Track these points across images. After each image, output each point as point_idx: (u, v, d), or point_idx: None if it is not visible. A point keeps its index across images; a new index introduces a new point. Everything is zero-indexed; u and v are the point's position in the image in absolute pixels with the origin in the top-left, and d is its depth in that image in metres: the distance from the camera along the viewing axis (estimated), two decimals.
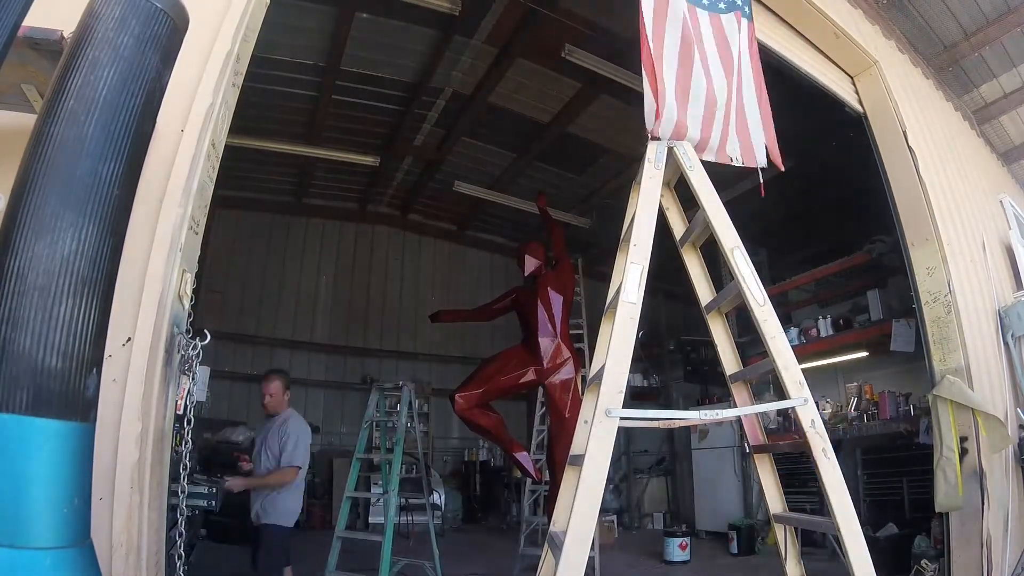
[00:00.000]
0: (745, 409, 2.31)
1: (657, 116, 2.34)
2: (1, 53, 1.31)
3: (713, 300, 2.43)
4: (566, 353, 5.11)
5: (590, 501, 1.70)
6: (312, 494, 8.61)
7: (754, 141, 2.66)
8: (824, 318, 7.17)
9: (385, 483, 5.49)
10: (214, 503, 3.15)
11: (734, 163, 2.55)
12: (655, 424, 2.03)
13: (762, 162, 2.64)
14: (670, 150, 2.26)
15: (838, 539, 1.86)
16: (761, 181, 2.69)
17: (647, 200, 2.14)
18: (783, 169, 2.71)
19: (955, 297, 4.10)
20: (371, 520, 8.07)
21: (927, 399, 4.19)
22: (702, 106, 2.47)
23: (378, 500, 7.10)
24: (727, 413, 2.10)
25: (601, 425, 1.76)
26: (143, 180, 1.52)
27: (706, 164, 2.32)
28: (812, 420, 1.93)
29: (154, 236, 1.91)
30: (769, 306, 2.04)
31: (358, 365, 10.04)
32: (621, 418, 1.79)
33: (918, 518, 5.34)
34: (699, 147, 2.41)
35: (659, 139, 2.33)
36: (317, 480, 8.76)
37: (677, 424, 2.22)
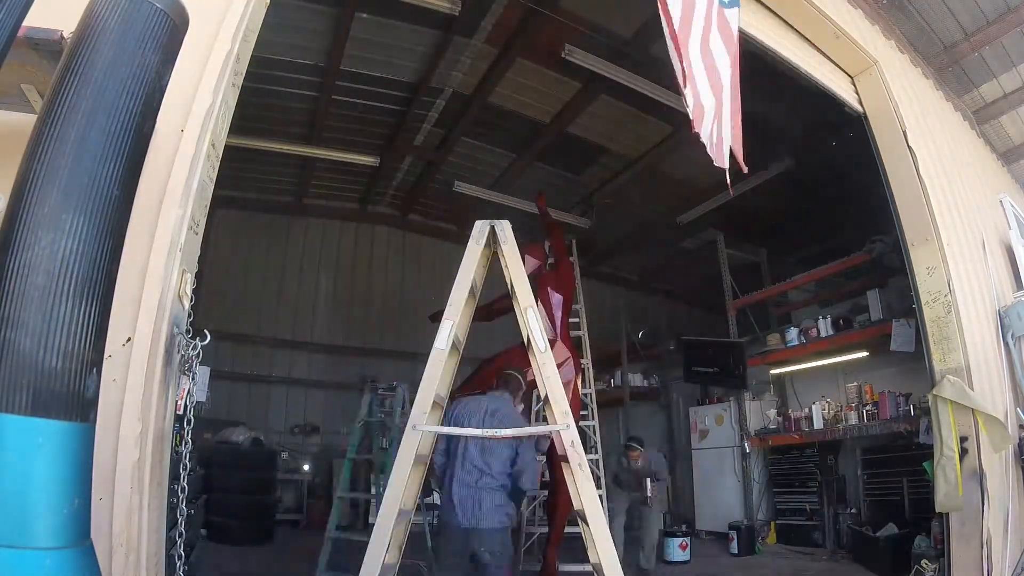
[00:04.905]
0: (532, 429, 2.77)
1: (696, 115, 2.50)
2: (1, 53, 1.31)
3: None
4: (566, 353, 5.11)
5: (393, 487, 2.38)
6: (312, 494, 8.63)
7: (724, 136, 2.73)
8: (824, 318, 7.16)
9: (378, 483, 5.47)
10: None
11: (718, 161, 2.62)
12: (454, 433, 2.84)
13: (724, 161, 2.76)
14: (491, 228, 2.71)
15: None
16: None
17: (465, 271, 2.66)
18: (745, 171, 2.78)
19: (955, 297, 4.10)
20: (371, 520, 8.06)
21: (927, 399, 4.19)
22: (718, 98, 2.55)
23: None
24: (504, 432, 2.74)
25: (409, 435, 2.42)
26: (143, 180, 1.51)
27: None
28: (572, 441, 2.41)
29: (154, 236, 1.91)
30: (549, 353, 2.57)
31: (358, 365, 10.00)
32: (424, 430, 2.45)
33: (918, 518, 5.34)
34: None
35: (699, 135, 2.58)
36: (317, 480, 8.77)
37: (471, 435, 2.86)
